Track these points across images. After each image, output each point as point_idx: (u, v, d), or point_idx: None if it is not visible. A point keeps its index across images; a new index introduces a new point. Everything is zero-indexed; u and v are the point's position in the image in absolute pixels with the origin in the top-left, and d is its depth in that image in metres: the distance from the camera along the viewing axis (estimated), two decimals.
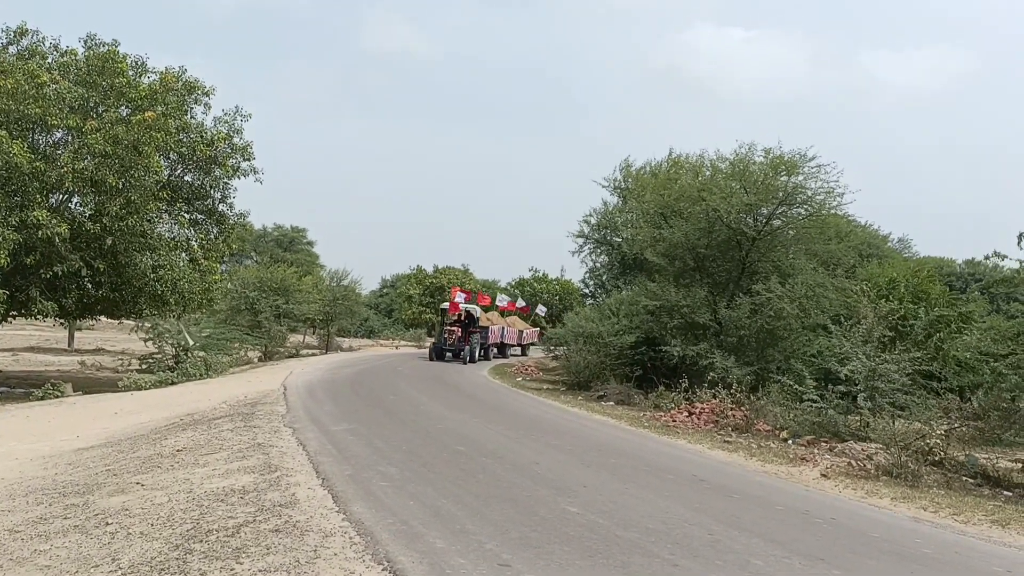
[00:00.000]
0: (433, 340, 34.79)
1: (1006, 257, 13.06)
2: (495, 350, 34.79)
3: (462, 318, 31.81)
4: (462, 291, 34.75)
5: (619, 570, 5.47)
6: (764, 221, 20.20)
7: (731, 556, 6.13)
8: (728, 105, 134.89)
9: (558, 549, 5.84)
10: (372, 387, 18.84)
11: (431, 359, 30.45)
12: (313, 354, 35.59)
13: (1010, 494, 10.76)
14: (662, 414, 16.85)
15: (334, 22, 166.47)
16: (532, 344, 42.05)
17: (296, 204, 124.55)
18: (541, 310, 46.62)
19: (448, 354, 30.53)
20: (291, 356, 33.59)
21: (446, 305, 32.85)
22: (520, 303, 44.22)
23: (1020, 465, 11.71)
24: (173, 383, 22.05)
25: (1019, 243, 12.19)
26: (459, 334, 30.45)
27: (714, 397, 16.59)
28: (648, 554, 5.95)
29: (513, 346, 38.63)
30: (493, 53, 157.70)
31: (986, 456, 12.60)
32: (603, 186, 33.28)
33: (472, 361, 29.94)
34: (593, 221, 33.68)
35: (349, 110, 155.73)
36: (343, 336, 45.85)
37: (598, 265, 35.59)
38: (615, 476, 9.57)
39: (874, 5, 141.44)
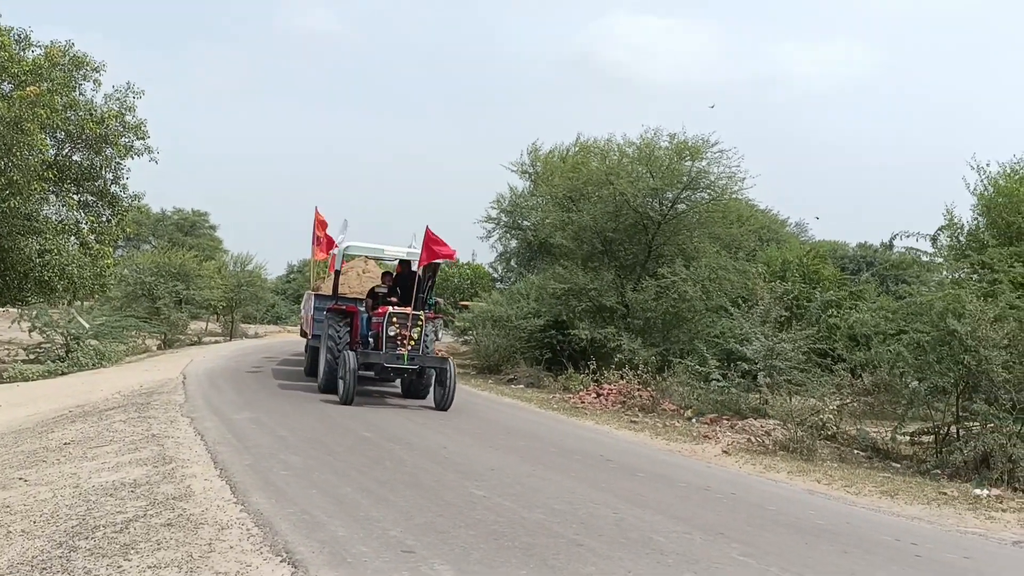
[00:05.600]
0: (306, 339, 18.48)
1: (893, 246, 13.87)
2: None
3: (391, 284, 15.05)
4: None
5: (523, 552, 5.46)
6: (669, 205, 20.60)
7: (635, 534, 6.21)
8: (642, 93, 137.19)
9: (463, 533, 5.79)
10: (278, 375, 18.35)
11: (322, 388, 14.23)
12: (216, 341, 34.49)
13: (898, 466, 11.34)
14: (571, 396, 17.05)
15: (246, 2, 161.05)
16: None
17: (204, 189, 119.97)
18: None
19: (397, 378, 14.57)
20: (193, 344, 32.42)
21: (345, 249, 15.35)
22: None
23: (907, 438, 12.33)
24: (64, 373, 20.95)
25: (934, 242, 13.41)
26: (415, 327, 13.46)
27: (621, 378, 16.86)
28: (553, 535, 5.96)
29: None
30: (410, 37, 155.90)
31: (876, 430, 13.23)
32: (511, 170, 33.29)
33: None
34: (504, 205, 33.66)
35: (260, 93, 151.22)
36: (248, 323, 44.59)
37: (508, 250, 35.64)
38: (523, 459, 9.59)
39: None
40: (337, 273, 15.55)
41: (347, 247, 15.37)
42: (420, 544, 5.43)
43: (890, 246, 14.41)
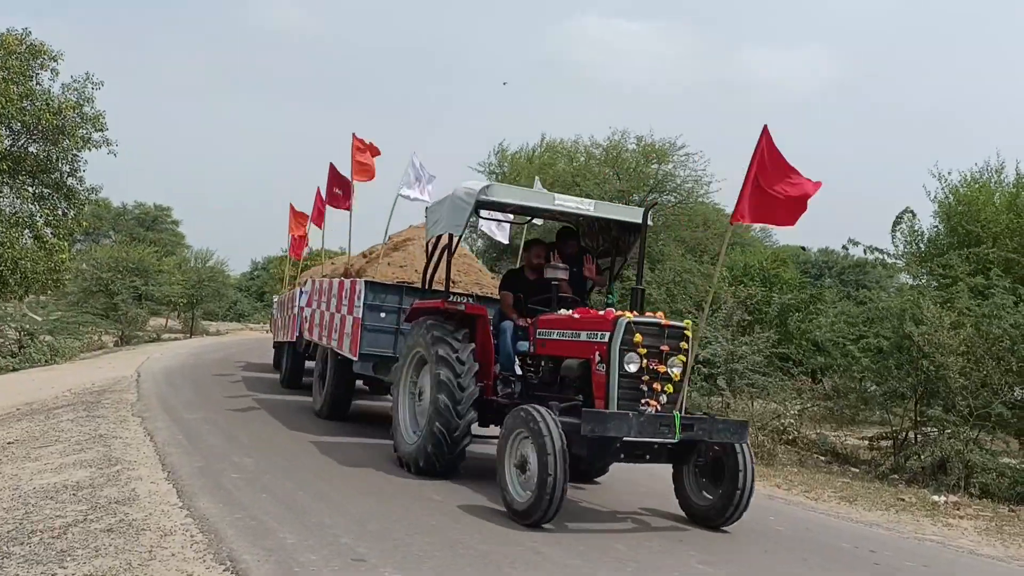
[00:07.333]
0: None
1: (858, 244, 14.06)
2: None
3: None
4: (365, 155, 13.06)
5: (479, 559, 5.32)
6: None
7: (593, 541, 6.10)
8: (609, 95, 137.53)
9: (418, 540, 5.63)
10: (236, 374, 18.00)
11: (421, 466, 7.67)
12: (176, 339, 33.87)
13: (857, 470, 11.39)
14: None
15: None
16: None
17: (170, 184, 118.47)
18: None
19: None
20: (151, 340, 31.81)
21: (484, 191, 7.43)
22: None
23: (867, 443, 12.41)
24: (15, 369, 20.44)
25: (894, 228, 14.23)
26: (676, 354, 6.48)
27: None
28: (511, 542, 5.82)
29: None
30: (381, 37, 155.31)
31: (836, 434, 13.31)
32: (478, 171, 33.19)
33: None
34: None
35: (227, 88, 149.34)
36: (210, 320, 43.88)
37: (474, 250, 35.50)
38: (486, 465, 9.43)
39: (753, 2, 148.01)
40: (451, 240, 8.15)
41: (488, 188, 7.59)
42: (372, 552, 5.26)
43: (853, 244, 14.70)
